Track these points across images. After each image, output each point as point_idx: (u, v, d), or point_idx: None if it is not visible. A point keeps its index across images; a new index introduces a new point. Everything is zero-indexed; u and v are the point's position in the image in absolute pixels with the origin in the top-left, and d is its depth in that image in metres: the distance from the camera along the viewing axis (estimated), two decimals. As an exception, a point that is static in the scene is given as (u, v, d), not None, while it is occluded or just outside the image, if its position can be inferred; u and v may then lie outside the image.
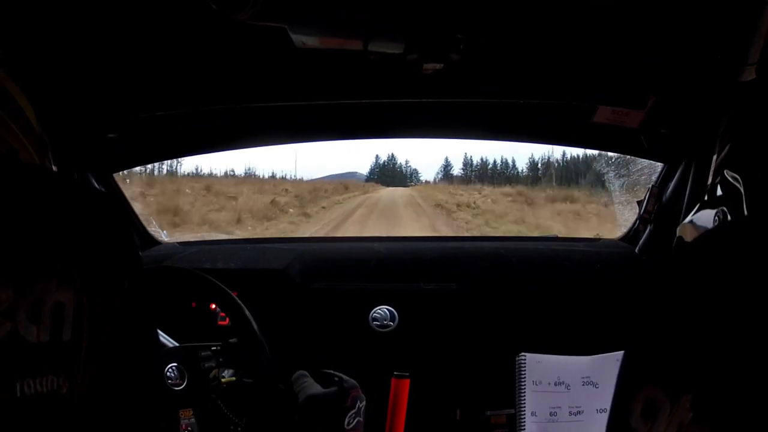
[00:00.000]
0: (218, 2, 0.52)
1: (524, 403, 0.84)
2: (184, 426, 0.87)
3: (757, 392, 0.25)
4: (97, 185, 1.07)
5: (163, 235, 1.32)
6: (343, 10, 0.61)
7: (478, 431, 0.99)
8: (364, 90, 0.90)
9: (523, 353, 0.86)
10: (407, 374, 0.87)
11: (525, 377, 0.85)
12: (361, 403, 0.76)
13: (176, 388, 0.88)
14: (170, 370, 0.89)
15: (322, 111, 1.02)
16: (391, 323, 1.06)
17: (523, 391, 0.85)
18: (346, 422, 0.73)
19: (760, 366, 0.25)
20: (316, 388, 0.77)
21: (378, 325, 1.06)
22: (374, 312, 1.06)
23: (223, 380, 0.93)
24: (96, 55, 0.80)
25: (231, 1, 0.52)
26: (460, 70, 0.71)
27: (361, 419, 0.75)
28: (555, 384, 0.85)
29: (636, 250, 1.15)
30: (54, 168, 0.90)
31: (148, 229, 1.27)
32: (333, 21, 0.62)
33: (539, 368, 0.86)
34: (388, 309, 1.07)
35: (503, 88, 0.89)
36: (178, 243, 1.30)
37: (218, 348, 0.90)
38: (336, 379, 0.77)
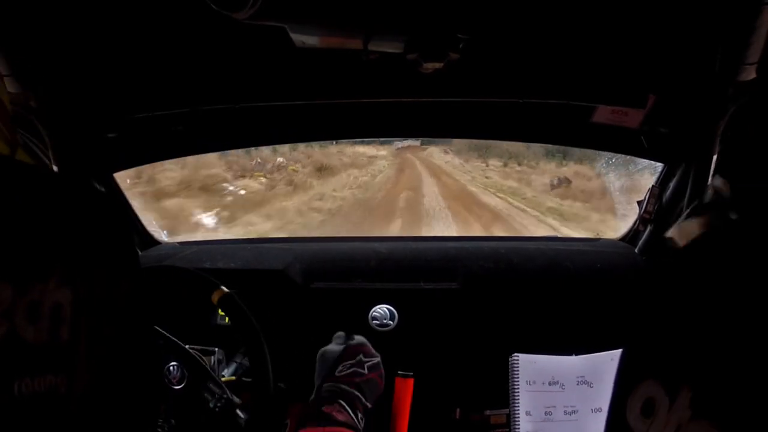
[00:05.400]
0: (218, 2, 0.52)
1: (518, 403, 0.84)
2: (159, 422, 0.87)
3: (755, 390, 0.25)
4: (97, 185, 1.07)
5: (163, 235, 1.32)
6: (343, 9, 0.61)
7: (478, 431, 0.99)
8: (364, 89, 0.90)
9: (516, 354, 0.87)
10: (411, 373, 0.87)
11: (518, 377, 0.85)
12: (365, 357, 0.81)
13: (174, 387, 0.88)
14: (173, 367, 0.89)
15: (322, 111, 1.02)
16: (391, 322, 1.06)
17: (516, 391, 0.85)
18: (338, 369, 0.78)
19: (758, 364, 0.25)
20: (331, 345, 0.85)
21: (378, 324, 1.06)
22: (374, 311, 1.07)
23: (223, 379, 0.93)
24: (96, 55, 0.80)
25: (230, 1, 0.52)
26: (460, 69, 0.71)
27: (364, 371, 0.79)
28: (549, 384, 0.85)
29: (636, 250, 1.15)
30: (54, 168, 0.91)
31: (148, 229, 1.28)
32: (333, 20, 0.62)
33: (533, 368, 0.86)
34: (387, 308, 1.07)
35: (503, 87, 0.89)
36: (178, 243, 1.30)
37: (227, 396, 0.89)
38: (349, 337, 0.86)
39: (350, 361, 0.79)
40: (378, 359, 0.83)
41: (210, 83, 0.89)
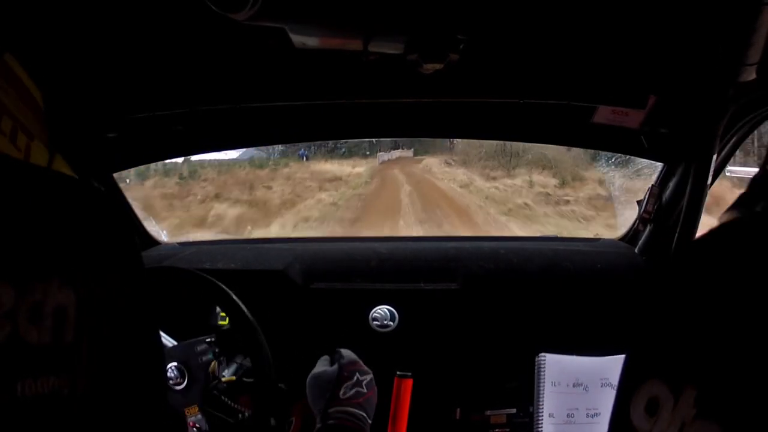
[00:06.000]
0: (217, 3, 0.52)
1: (542, 405, 0.83)
2: (191, 423, 0.88)
3: (759, 389, 0.25)
4: (97, 185, 1.07)
5: (163, 236, 1.32)
6: (343, 10, 0.61)
7: (478, 430, 0.99)
8: (363, 90, 0.90)
9: (543, 353, 0.85)
10: (410, 374, 0.87)
11: (544, 378, 0.84)
12: (362, 375, 0.79)
13: (177, 388, 0.89)
14: (170, 369, 0.90)
15: (322, 111, 1.02)
16: (391, 323, 1.06)
17: (541, 392, 0.83)
18: (341, 392, 0.76)
19: (762, 363, 0.25)
20: (320, 367, 0.82)
21: (378, 325, 1.06)
22: (374, 312, 1.07)
23: (223, 379, 0.94)
24: (96, 55, 0.80)
25: (230, 2, 0.52)
26: (460, 70, 0.71)
27: (364, 390, 0.78)
28: (573, 385, 0.84)
29: (636, 250, 1.15)
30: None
31: (148, 229, 1.28)
32: (333, 21, 0.62)
33: (558, 369, 0.84)
34: (388, 309, 1.07)
35: (503, 88, 0.89)
36: (178, 243, 1.30)
37: (213, 339, 0.91)
38: (336, 356, 0.83)
39: (350, 382, 0.78)
40: (371, 374, 0.82)
41: (209, 84, 0.89)
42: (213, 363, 0.91)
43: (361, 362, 0.83)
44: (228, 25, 0.56)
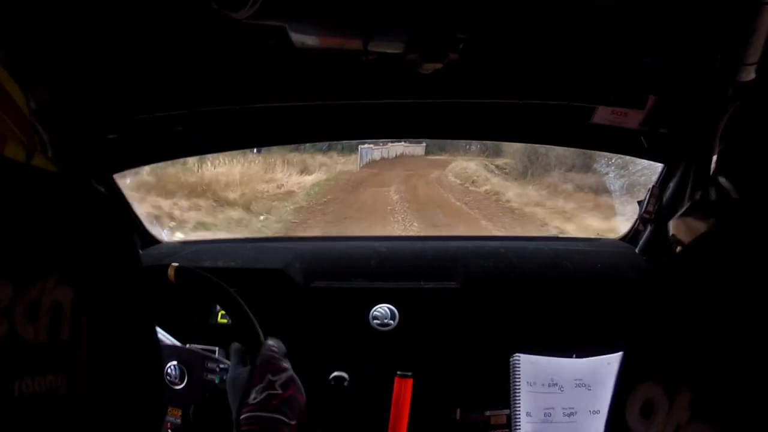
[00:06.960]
0: (218, 2, 0.52)
1: (519, 404, 0.85)
2: (168, 425, 0.87)
3: (755, 392, 0.25)
4: (97, 185, 1.07)
5: (164, 234, 1.33)
6: (343, 9, 0.61)
7: (478, 431, 0.99)
8: (363, 90, 0.90)
9: (517, 354, 0.87)
10: (410, 374, 0.87)
11: (519, 378, 0.86)
12: (274, 376, 0.72)
13: (175, 387, 0.89)
14: (171, 368, 0.89)
15: (322, 111, 1.02)
16: (392, 322, 1.06)
17: (517, 391, 0.85)
18: (252, 397, 0.70)
19: (759, 366, 0.25)
20: (234, 366, 0.77)
21: (378, 324, 1.06)
22: (374, 311, 1.07)
23: (223, 378, 0.94)
24: (96, 56, 0.80)
25: (231, 1, 0.52)
26: (460, 70, 0.71)
27: (278, 391, 0.71)
28: (549, 385, 0.86)
29: (636, 250, 1.15)
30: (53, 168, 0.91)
31: (149, 228, 1.28)
32: (333, 20, 0.62)
33: (533, 369, 0.86)
34: (388, 308, 1.07)
35: (503, 88, 0.89)
36: (178, 242, 1.30)
37: (226, 367, 0.90)
38: (253, 354, 0.76)
39: (261, 385, 0.71)
40: (288, 373, 0.74)
41: (210, 84, 0.89)
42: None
43: (276, 360, 0.75)
44: (228, 24, 0.56)
